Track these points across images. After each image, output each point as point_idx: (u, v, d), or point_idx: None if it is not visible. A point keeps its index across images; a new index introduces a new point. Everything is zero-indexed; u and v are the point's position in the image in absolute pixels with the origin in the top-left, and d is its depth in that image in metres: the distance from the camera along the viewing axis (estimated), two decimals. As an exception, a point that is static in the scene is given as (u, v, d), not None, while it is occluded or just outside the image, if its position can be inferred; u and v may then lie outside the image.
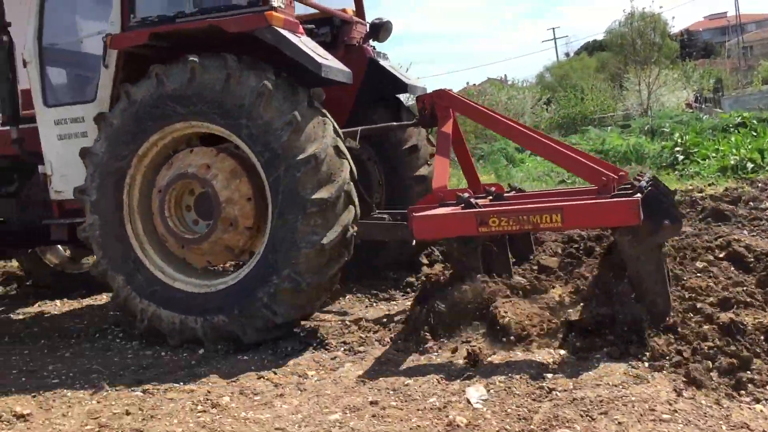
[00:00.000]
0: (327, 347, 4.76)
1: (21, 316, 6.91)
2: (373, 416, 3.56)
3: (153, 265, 5.25)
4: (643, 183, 4.66)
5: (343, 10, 6.60)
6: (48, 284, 7.85)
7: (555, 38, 64.85)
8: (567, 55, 60.11)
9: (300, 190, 4.72)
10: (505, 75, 51.99)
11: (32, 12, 5.67)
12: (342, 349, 4.70)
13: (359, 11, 6.82)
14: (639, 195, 4.21)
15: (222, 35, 4.97)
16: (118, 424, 3.72)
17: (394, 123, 6.26)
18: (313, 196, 4.70)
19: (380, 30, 6.60)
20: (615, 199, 4.31)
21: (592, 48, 55.00)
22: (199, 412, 3.81)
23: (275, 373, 4.35)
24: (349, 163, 5.00)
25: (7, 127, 5.93)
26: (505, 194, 5.66)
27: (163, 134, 5.15)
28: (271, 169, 4.80)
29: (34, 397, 4.33)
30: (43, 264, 7.76)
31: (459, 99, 5.87)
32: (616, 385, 3.57)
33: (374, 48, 6.67)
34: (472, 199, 4.79)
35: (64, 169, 5.62)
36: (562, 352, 4.09)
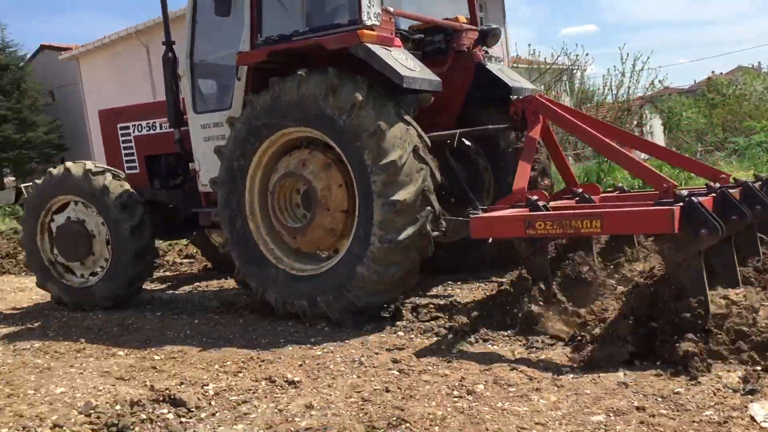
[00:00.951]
0: (579, 344, 4.57)
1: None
2: (641, 423, 3.33)
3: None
4: (686, 192, 4.62)
5: (456, 18, 6.98)
6: (212, 262, 8.96)
7: (823, 19, 56.72)
8: (838, 37, 52.39)
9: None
10: (759, 62, 46.61)
11: (186, 33, 6.62)
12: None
13: (473, 18, 7.15)
14: (680, 204, 4.23)
15: (326, 51, 5.53)
16: (380, 400, 3.87)
17: (490, 126, 6.58)
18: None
19: (488, 36, 6.91)
20: (651, 207, 4.40)
21: None
22: (455, 397, 3.85)
23: (528, 366, 4.26)
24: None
25: (172, 129, 7.01)
26: (602, 195, 5.93)
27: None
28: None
29: (301, 366, 4.67)
30: (210, 244, 8.69)
31: (548, 105, 6.13)
32: None
33: (486, 53, 7.02)
34: (539, 203, 4.99)
35: (208, 166, 6.49)
36: None
